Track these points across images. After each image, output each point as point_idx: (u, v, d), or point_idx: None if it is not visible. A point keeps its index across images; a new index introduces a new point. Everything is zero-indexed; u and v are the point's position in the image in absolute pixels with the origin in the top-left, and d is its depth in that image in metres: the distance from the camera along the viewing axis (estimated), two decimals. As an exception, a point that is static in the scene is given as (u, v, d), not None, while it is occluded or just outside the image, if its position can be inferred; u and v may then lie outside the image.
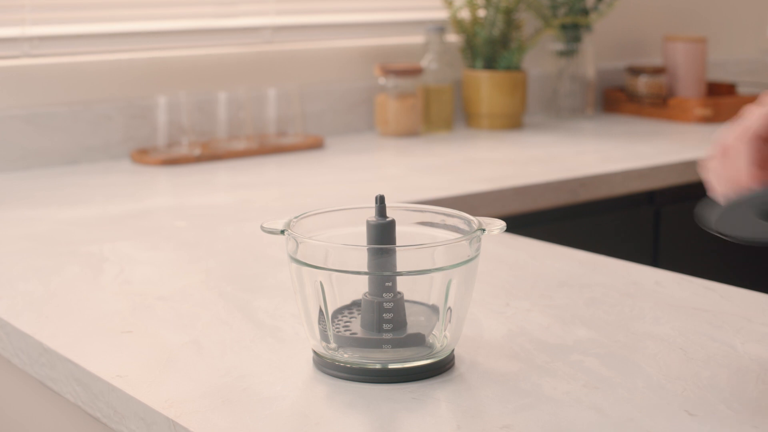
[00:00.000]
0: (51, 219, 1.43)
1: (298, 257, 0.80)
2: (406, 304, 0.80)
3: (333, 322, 0.80)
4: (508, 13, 2.16)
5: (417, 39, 2.24)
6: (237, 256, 1.21)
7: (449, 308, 0.80)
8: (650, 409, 0.75)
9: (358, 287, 0.80)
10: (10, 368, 1.04)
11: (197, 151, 1.86)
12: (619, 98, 2.41)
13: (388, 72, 2.09)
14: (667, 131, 2.19)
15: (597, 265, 1.14)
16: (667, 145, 2.02)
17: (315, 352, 0.82)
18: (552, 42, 2.32)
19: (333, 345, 0.80)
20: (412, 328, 0.80)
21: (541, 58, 2.35)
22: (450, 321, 0.81)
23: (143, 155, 1.85)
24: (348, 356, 0.80)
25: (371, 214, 0.80)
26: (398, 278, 0.79)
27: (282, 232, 0.81)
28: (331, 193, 1.59)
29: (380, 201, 0.80)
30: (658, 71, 2.36)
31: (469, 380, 0.80)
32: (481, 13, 2.21)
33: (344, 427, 0.73)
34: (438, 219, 0.86)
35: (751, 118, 0.76)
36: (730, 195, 0.74)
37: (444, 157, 1.89)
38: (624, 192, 1.79)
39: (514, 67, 2.18)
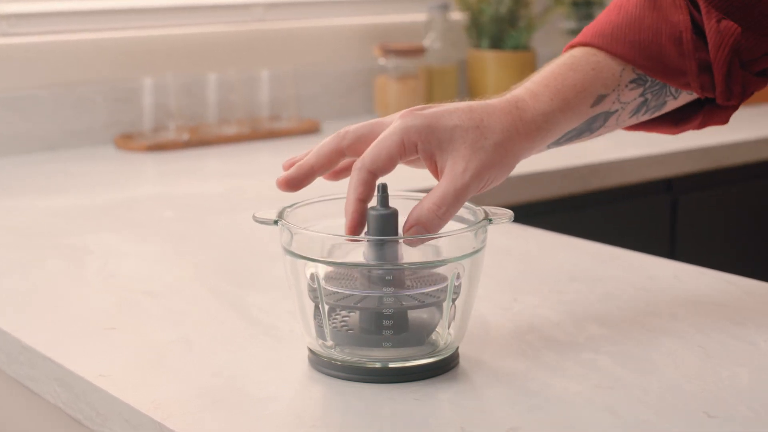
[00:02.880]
0: (30, 209, 1.43)
1: (293, 249, 0.80)
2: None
3: (329, 318, 0.80)
4: (516, -11, 2.16)
5: (419, 17, 2.24)
6: (229, 249, 1.21)
7: (453, 303, 0.80)
8: (667, 411, 0.75)
9: (357, 281, 0.80)
10: (-13, 367, 1.04)
11: (185, 137, 1.86)
12: (634, 80, 2.40)
13: (388, 52, 2.09)
14: (685, 115, 2.18)
15: (610, 258, 1.14)
16: (685, 130, 2.01)
17: (311, 350, 0.82)
18: (563, 20, 2.32)
19: (330, 342, 0.80)
20: (413, 325, 0.80)
21: (551, 37, 2.34)
22: (454, 317, 0.81)
23: (128, 141, 1.85)
24: (346, 354, 0.80)
25: (371, 203, 0.80)
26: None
27: (275, 222, 0.81)
28: (327, 181, 1.59)
29: (382, 190, 0.80)
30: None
31: (473, 380, 0.80)
32: (488, -11, 2.21)
33: (342, 429, 0.73)
34: (441, 209, 0.85)
35: (371, 150, 0.79)
36: None
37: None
38: (639, 179, 1.79)
39: (522, 47, 2.17)
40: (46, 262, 1.16)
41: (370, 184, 0.79)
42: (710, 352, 0.85)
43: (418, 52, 2.10)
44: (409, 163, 0.82)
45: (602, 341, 0.88)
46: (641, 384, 0.79)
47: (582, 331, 0.90)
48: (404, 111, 0.81)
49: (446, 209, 0.78)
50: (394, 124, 0.80)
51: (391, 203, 0.80)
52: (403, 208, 0.81)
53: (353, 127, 0.82)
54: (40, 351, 0.89)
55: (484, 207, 0.83)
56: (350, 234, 0.79)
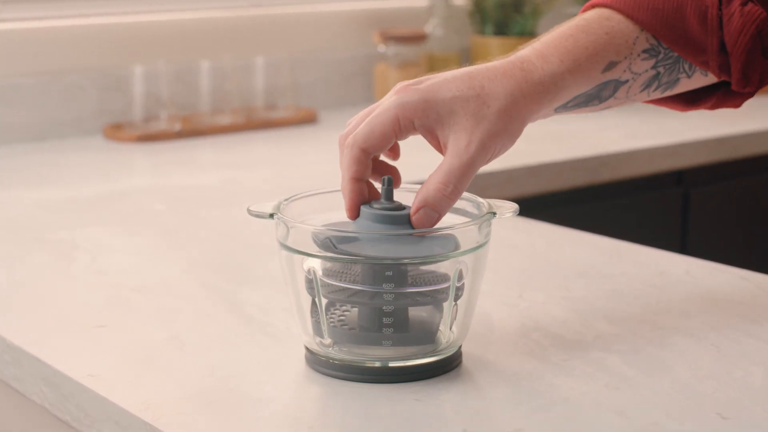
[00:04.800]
0: (16, 202, 1.43)
1: (289, 244, 0.80)
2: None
3: (327, 313, 0.80)
4: (522, -27, 2.16)
5: (420, 2, 2.24)
6: (222, 244, 1.21)
7: (456, 300, 0.80)
8: (678, 412, 0.75)
9: (356, 277, 0.80)
10: (-29, 367, 1.04)
11: (177, 127, 1.86)
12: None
13: (388, 38, 2.08)
14: (697, 104, 2.18)
15: (620, 253, 1.14)
16: (697, 120, 2.01)
17: (308, 349, 0.82)
18: (570, 5, 2.32)
19: (328, 340, 0.80)
20: (414, 323, 0.80)
21: (557, 22, 2.33)
22: (456, 315, 0.81)
23: (118, 131, 1.85)
24: (344, 353, 0.80)
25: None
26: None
27: (271, 216, 0.81)
28: (326, 172, 1.59)
29: (387, 183, 0.80)
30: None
31: (477, 380, 0.80)
32: (492, -27, 2.21)
33: (340, 431, 0.73)
34: (444, 202, 0.85)
35: (363, 127, 0.79)
36: None
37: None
38: (650, 171, 1.79)
39: (527, 33, 2.17)
40: (32, 257, 1.16)
41: (364, 162, 0.78)
42: (723, 351, 0.85)
43: (419, 38, 2.10)
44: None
45: (611, 340, 0.88)
46: (652, 384, 0.79)
47: (590, 329, 0.90)
48: (399, 86, 0.80)
49: (453, 187, 0.77)
50: (389, 99, 0.79)
51: (397, 196, 0.80)
52: (405, 201, 0.81)
53: (350, 125, 0.81)
54: (26, 350, 0.89)
55: (488, 200, 0.83)
56: (350, 214, 0.78)
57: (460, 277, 0.79)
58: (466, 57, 2.25)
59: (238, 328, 0.92)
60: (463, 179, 0.78)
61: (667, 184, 1.85)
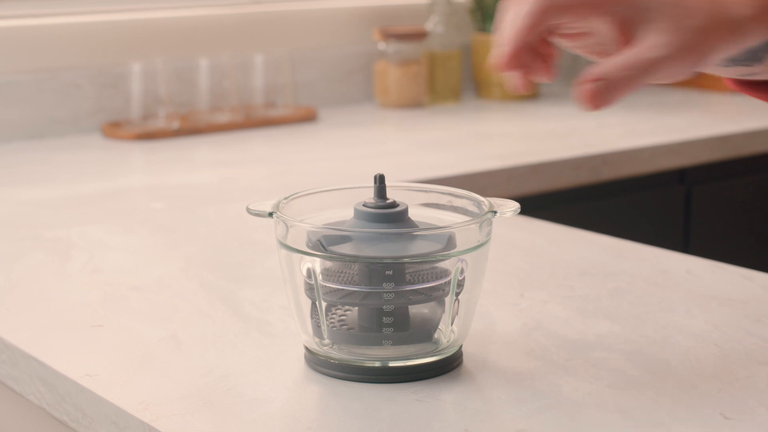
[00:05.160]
0: (12, 200, 1.42)
1: (288, 242, 0.79)
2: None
3: (327, 315, 0.80)
4: (523, -31, 2.16)
5: (421, -1, 2.24)
6: (220, 242, 1.21)
7: (457, 299, 0.80)
8: (681, 412, 0.74)
9: (355, 277, 0.80)
10: (-33, 366, 1.04)
11: (175, 125, 1.86)
12: (646, 65, 2.40)
13: (388, 36, 2.08)
14: (699, 102, 2.18)
15: (622, 252, 1.14)
16: (699, 118, 2.01)
17: (307, 348, 0.82)
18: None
19: (327, 341, 0.80)
20: (415, 322, 0.80)
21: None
22: (458, 314, 0.81)
23: (115, 129, 1.85)
24: (344, 353, 0.80)
25: (371, 194, 0.80)
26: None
27: (270, 214, 0.80)
28: (325, 171, 1.59)
29: (380, 180, 0.80)
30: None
31: (478, 380, 0.80)
32: (493, -31, 2.21)
33: (339, 431, 0.73)
34: (444, 200, 0.85)
35: None
36: None
37: (451, 131, 1.89)
38: (651, 170, 1.78)
39: (529, 31, 2.17)
40: (28, 256, 1.15)
41: (543, 20, 0.73)
42: (726, 351, 0.85)
43: (419, 35, 2.10)
44: (569, 36, 0.76)
45: (613, 339, 0.88)
46: (655, 384, 0.79)
47: (592, 329, 0.90)
48: None
49: (637, 73, 0.72)
50: None
51: (389, 194, 0.80)
52: (402, 200, 0.80)
53: None
54: (23, 349, 0.88)
55: (489, 198, 0.82)
56: (505, 64, 0.72)
57: (461, 273, 0.79)
58: (467, 54, 2.25)
59: (236, 327, 0.92)
60: (647, 72, 0.73)
61: (669, 183, 1.85)
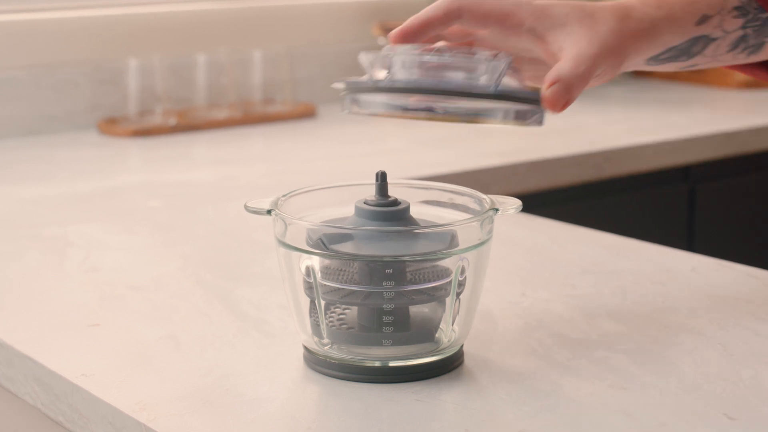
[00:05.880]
0: (8, 198, 1.42)
1: (287, 241, 0.79)
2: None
3: (326, 314, 0.80)
4: (525, -36, 2.16)
5: (421, -6, 2.24)
6: (218, 240, 1.21)
7: (458, 299, 0.80)
8: (685, 413, 0.74)
9: (355, 276, 0.80)
10: (-38, 366, 1.04)
11: (173, 121, 1.86)
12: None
13: (388, 31, 2.08)
14: (704, 98, 2.18)
15: (625, 250, 1.14)
16: (703, 114, 2.01)
17: (306, 348, 0.82)
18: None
19: (326, 340, 0.80)
20: (415, 322, 0.80)
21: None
22: (458, 313, 0.81)
23: (112, 125, 1.85)
24: (343, 353, 0.80)
25: (370, 192, 0.80)
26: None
27: (268, 212, 0.80)
28: (324, 168, 1.59)
29: (381, 178, 0.80)
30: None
31: (479, 380, 0.80)
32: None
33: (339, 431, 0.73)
34: (445, 197, 0.85)
35: None
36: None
37: (452, 129, 1.89)
38: (655, 167, 1.78)
39: (531, 26, 2.17)
40: (24, 255, 1.15)
41: (450, 16, 0.80)
42: (731, 350, 0.85)
43: (420, 31, 2.09)
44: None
45: (616, 338, 0.88)
46: (658, 384, 0.79)
47: (595, 328, 0.90)
48: None
49: (585, 68, 0.78)
50: None
51: (391, 192, 0.80)
52: (404, 197, 0.80)
53: None
54: (18, 349, 0.88)
55: (490, 196, 0.82)
56: (397, 37, 0.80)
57: (462, 272, 0.79)
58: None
59: (235, 326, 0.92)
60: (592, 66, 0.79)
61: (673, 180, 1.84)
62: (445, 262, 0.79)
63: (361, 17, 2.17)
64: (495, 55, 0.76)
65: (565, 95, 0.77)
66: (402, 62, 0.76)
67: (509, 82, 0.77)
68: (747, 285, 1.01)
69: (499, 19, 0.81)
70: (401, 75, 0.76)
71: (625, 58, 0.83)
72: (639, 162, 1.76)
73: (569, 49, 0.79)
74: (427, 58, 0.76)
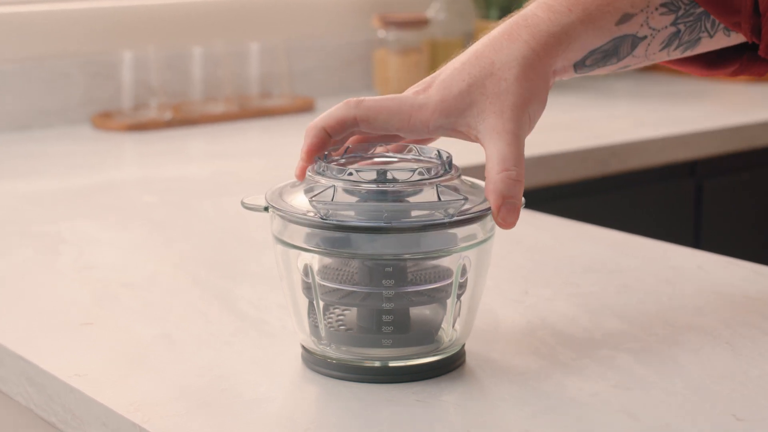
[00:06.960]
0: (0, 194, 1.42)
1: (285, 238, 0.79)
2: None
3: (324, 315, 0.80)
4: (528, -46, 2.16)
5: (422, -15, 2.24)
6: (215, 237, 1.21)
7: (459, 298, 0.80)
8: (691, 413, 0.74)
9: (354, 276, 0.80)
10: (-47, 366, 1.04)
11: (168, 115, 1.86)
12: (655, 54, 2.40)
13: (388, 23, 2.08)
14: (711, 92, 2.18)
15: (629, 247, 1.14)
16: (711, 109, 2.01)
17: (304, 347, 0.82)
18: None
19: (325, 340, 0.80)
20: (416, 322, 0.80)
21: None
22: (460, 312, 0.81)
23: (106, 119, 1.85)
24: (342, 352, 0.80)
25: (370, 188, 0.80)
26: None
27: (266, 208, 0.80)
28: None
29: (383, 177, 0.79)
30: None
31: (481, 380, 0.80)
32: (497, -46, 2.21)
33: (338, 433, 0.73)
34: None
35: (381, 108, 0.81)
36: None
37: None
38: (661, 162, 1.78)
39: (534, 18, 2.17)
40: (15, 252, 1.15)
41: (325, 140, 0.80)
42: (738, 349, 0.85)
43: (421, 23, 2.10)
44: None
45: (621, 338, 0.88)
46: (663, 384, 0.79)
47: (599, 327, 0.90)
48: (409, 90, 0.81)
49: (516, 170, 0.78)
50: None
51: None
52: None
53: (367, 98, 0.82)
54: (10, 348, 0.89)
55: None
56: (304, 159, 0.80)
57: (464, 272, 0.79)
58: (470, 42, 2.25)
59: (232, 325, 0.92)
60: (519, 159, 0.79)
61: (679, 175, 1.85)
62: (447, 261, 0.79)
63: (360, 9, 2.17)
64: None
65: (517, 209, 0.78)
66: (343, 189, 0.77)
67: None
68: (755, 283, 1.01)
69: (401, 130, 0.81)
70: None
71: (546, 82, 0.81)
72: (645, 157, 1.76)
73: (488, 138, 0.79)
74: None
